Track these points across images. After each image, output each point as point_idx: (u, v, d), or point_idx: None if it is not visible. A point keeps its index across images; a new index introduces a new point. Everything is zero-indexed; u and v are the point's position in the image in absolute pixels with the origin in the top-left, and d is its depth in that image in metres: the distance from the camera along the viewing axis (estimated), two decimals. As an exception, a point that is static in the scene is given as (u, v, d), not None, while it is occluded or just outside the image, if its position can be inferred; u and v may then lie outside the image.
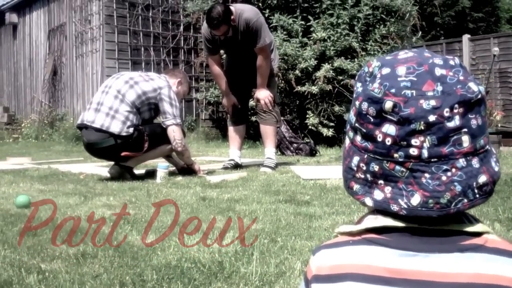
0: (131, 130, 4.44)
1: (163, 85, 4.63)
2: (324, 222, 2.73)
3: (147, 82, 4.61)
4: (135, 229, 2.60)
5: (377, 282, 0.71)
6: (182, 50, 11.66)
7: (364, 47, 9.37)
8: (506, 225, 2.63)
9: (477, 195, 0.72)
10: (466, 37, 12.53)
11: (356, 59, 9.15)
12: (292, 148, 7.57)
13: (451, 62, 0.75)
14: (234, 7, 5.09)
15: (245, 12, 5.03)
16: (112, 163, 4.74)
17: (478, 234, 0.71)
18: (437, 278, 0.69)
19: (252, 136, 9.00)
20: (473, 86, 0.72)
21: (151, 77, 4.71)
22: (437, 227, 0.72)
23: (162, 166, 4.55)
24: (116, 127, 4.41)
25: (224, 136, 9.94)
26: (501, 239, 0.72)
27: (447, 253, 0.70)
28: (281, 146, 7.60)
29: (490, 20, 20.09)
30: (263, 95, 5.23)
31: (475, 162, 0.72)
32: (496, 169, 0.74)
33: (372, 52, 9.30)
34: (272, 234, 2.43)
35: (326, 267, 0.76)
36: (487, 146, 0.74)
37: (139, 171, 4.95)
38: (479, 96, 0.72)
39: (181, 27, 11.62)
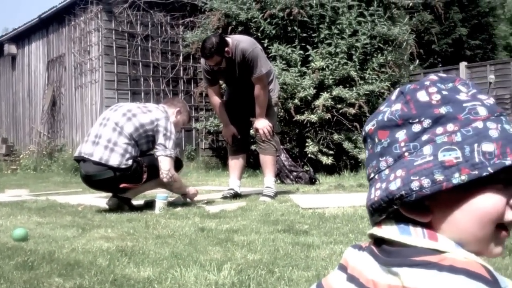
0: (130, 162, 4.44)
1: (161, 116, 4.64)
2: (322, 251, 2.71)
3: (145, 114, 4.63)
4: (132, 261, 2.58)
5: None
6: (182, 80, 11.74)
7: (362, 75, 9.42)
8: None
9: None
10: (463, 65, 12.63)
11: (354, 88, 9.19)
12: (291, 177, 7.57)
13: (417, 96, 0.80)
14: (231, 38, 5.14)
15: (241, 42, 5.08)
16: (110, 194, 4.73)
17: (438, 252, 0.73)
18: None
19: (252, 165, 8.99)
20: (368, 123, 0.83)
21: (149, 109, 4.72)
22: (401, 240, 0.76)
23: (160, 197, 4.53)
24: (115, 160, 4.42)
25: (224, 165, 9.94)
26: (465, 259, 0.71)
27: (398, 267, 0.73)
28: (280, 175, 7.59)
29: (487, 47, 20.29)
30: (262, 125, 5.25)
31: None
32: (372, 196, 0.80)
33: (370, 81, 9.35)
34: (270, 264, 2.41)
35: (344, 259, 0.86)
36: (371, 176, 0.82)
37: (138, 201, 4.94)
38: (364, 133, 0.85)
39: (181, 57, 11.71)
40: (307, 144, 9.16)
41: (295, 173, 7.60)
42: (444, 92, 0.78)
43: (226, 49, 4.98)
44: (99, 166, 4.44)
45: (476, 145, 0.73)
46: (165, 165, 4.56)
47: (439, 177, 0.73)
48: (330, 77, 9.19)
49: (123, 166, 4.42)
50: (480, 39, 20.02)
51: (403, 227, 0.78)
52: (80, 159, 4.61)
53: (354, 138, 9.15)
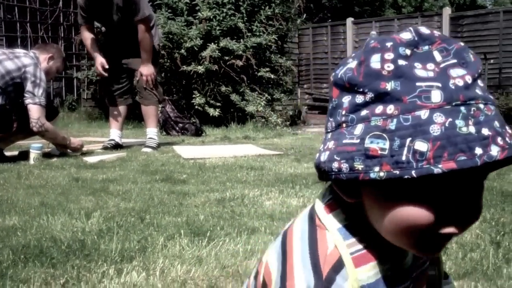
0: (-3, 111, 4.19)
1: (29, 62, 4.36)
2: (196, 199, 2.74)
3: (11, 60, 4.33)
4: (-1, 211, 2.48)
5: None
6: (62, 27, 11.13)
7: (249, 27, 9.42)
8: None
9: None
10: (350, 20, 12.97)
11: (242, 40, 9.19)
12: (177, 128, 7.52)
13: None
14: (111, -24, 4.95)
15: None
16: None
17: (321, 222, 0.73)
18: None
19: (138, 116, 8.80)
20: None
21: (16, 55, 4.42)
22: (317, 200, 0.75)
23: (35, 146, 4.34)
24: None
25: (108, 116, 9.65)
26: (330, 244, 0.70)
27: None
28: (166, 126, 7.52)
29: (375, 4, 20.87)
30: (148, 71, 5.12)
31: None
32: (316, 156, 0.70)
33: (257, 33, 9.38)
34: (142, 212, 2.41)
35: None
36: (327, 130, 0.70)
37: (12, 152, 4.70)
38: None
39: (60, 3, 11.08)
40: (194, 95, 9.09)
41: (181, 125, 7.56)
42: (401, 62, 0.63)
43: None
44: (-35, 115, 4.16)
45: (409, 139, 0.60)
46: (34, 114, 4.33)
47: (358, 165, 0.63)
48: (218, 28, 9.12)
49: (-11, 115, 4.16)
50: (369, -5, 20.55)
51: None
52: None
53: (241, 90, 9.20)
